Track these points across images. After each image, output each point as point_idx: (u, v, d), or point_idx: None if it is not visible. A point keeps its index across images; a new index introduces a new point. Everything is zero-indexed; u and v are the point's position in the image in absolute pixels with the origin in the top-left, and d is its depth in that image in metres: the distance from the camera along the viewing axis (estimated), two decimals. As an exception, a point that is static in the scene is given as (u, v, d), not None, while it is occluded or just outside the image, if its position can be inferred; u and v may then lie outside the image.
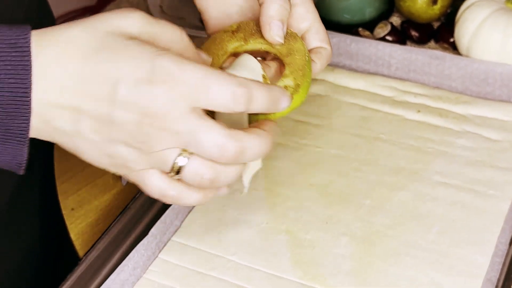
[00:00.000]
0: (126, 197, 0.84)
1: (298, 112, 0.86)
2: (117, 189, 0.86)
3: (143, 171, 0.52)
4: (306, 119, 0.86)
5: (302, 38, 0.67)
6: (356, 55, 0.92)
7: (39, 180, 0.82)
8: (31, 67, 0.46)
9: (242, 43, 0.64)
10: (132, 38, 0.49)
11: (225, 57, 0.64)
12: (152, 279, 0.70)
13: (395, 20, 1.05)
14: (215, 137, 0.50)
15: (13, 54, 0.46)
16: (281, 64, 0.65)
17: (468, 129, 0.83)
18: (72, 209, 0.86)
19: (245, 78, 0.51)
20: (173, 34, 0.52)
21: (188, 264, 0.71)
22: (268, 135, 0.53)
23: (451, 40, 0.99)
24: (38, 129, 0.50)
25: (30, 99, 0.47)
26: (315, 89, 0.90)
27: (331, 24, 1.00)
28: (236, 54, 0.64)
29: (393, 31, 1.01)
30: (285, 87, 0.61)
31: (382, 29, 1.01)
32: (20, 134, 0.48)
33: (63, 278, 0.68)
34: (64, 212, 0.93)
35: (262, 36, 0.64)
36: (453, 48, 0.98)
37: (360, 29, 1.02)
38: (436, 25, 1.03)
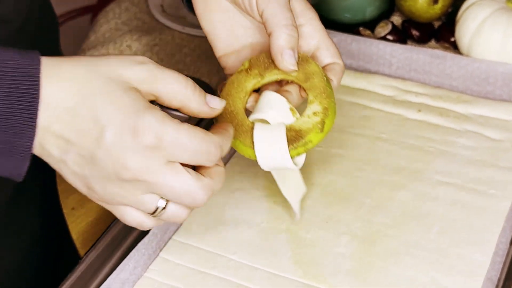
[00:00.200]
0: (126, 196, 0.84)
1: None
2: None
3: (121, 206, 0.56)
4: (307, 118, 0.86)
5: (313, 56, 0.67)
6: (357, 54, 0.92)
7: (39, 179, 0.82)
8: (39, 97, 0.51)
9: (259, 79, 0.65)
10: (131, 88, 0.53)
11: (247, 97, 0.65)
12: (152, 278, 0.70)
13: (396, 19, 1.05)
14: (188, 188, 0.55)
15: (25, 83, 0.51)
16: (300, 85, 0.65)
17: (469, 128, 0.83)
18: (73, 208, 0.86)
19: (218, 136, 0.56)
20: (175, 85, 0.55)
21: (189, 263, 0.71)
22: (222, 169, 0.58)
23: (452, 39, 0.99)
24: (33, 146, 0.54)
25: (36, 124, 0.51)
26: (316, 88, 0.90)
27: (332, 23, 1.00)
28: (255, 89, 0.66)
29: (394, 30, 1.01)
30: (314, 113, 0.63)
31: (383, 29, 1.01)
32: (24, 151, 0.52)
33: (63, 277, 0.68)
34: (64, 211, 0.93)
35: (276, 67, 0.64)
36: (454, 47, 0.98)
37: (361, 28, 1.02)
38: (437, 24, 1.03)
